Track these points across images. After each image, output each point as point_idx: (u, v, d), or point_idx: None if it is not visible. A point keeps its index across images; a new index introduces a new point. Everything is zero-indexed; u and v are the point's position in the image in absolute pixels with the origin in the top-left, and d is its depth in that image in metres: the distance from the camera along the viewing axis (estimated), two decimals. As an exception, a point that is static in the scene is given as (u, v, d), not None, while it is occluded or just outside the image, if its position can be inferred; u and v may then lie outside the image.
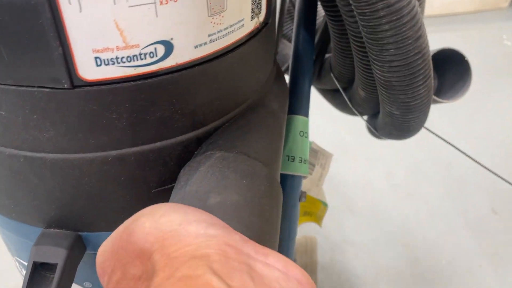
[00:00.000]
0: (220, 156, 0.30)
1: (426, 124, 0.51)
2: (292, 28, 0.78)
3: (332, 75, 0.61)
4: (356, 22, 0.43)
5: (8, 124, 0.28)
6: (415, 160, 1.36)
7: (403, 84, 0.42)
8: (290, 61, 0.50)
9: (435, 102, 0.53)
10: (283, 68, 0.73)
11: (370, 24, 0.39)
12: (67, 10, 0.23)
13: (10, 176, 0.31)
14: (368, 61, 0.46)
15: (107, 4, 0.24)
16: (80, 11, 0.24)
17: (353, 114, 0.64)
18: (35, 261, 0.32)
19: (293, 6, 0.73)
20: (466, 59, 0.52)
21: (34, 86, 0.26)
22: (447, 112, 1.38)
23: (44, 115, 0.27)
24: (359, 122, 0.76)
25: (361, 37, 0.43)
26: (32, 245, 0.33)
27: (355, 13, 0.40)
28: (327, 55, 0.65)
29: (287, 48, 0.74)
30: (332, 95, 0.68)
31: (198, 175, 0.29)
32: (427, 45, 0.40)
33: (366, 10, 0.38)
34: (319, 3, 0.54)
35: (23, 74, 0.26)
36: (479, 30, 2.15)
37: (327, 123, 1.38)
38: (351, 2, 0.39)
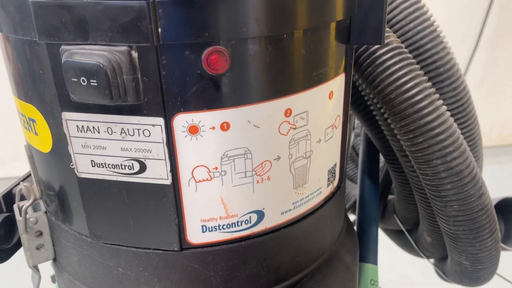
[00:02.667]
0: (302, 312, 0.33)
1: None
2: (352, 168, 0.83)
3: (396, 217, 0.63)
4: (418, 176, 0.47)
5: (122, 280, 0.33)
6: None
7: (469, 237, 0.44)
8: (356, 210, 0.54)
9: (504, 249, 0.53)
10: (346, 206, 0.76)
11: (433, 183, 0.42)
12: (186, 191, 0.30)
13: None
14: (433, 211, 0.48)
15: (217, 185, 0.30)
16: (196, 191, 0.30)
17: (420, 256, 0.64)
18: None
19: (355, 151, 0.79)
20: (530, 207, 0.53)
21: (150, 248, 0.32)
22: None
23: (153, 272, 0.32)
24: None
25: (424, 190, 0.47)
26: None
27: (417, 172, 0.44)
28: (390, 197, 0.68)
29: (349, 187, 0.79)
30: (396, 235, 0.70)
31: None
32: (490, 202, 0.43)
33: (428, 172, 0.42)
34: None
35: (143, 238, 0.31)
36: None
37: (390, 257, 1.35)
38: (413, 164, 0.43)
